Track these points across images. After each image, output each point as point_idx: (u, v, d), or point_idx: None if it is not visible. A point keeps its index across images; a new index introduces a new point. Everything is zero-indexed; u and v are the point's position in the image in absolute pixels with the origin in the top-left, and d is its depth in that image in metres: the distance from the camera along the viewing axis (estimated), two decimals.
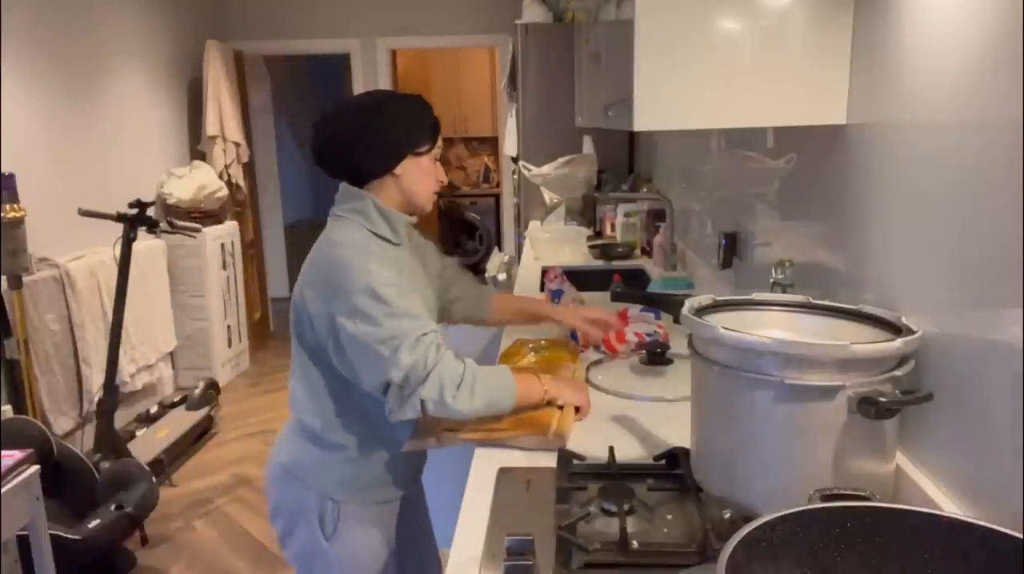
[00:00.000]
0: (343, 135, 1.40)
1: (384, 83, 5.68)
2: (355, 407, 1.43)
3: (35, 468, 1.94)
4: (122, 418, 3.66)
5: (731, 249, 1.99)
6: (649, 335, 1.86)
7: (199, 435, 3.88)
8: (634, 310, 1.93)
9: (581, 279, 2.46)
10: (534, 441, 1.34)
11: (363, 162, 1.41)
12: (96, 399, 3.08)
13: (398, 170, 1.42)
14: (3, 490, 1.82)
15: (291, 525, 1.50)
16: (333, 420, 1.44)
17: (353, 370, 1.35)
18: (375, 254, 1.36)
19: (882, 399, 0.88)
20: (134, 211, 3.02)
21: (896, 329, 1.00)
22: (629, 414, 1.50)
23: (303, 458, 1.47)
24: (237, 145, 5.06)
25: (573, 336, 1.93)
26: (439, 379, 1.27)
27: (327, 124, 1.42)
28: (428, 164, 1.45)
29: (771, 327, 1.10)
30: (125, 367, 3.73)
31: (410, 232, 1.53)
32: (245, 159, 5.21)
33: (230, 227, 4.84)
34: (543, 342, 1.85)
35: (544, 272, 2.75)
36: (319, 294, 1.35)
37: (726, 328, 0.95)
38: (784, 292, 1.44)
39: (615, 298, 2.15)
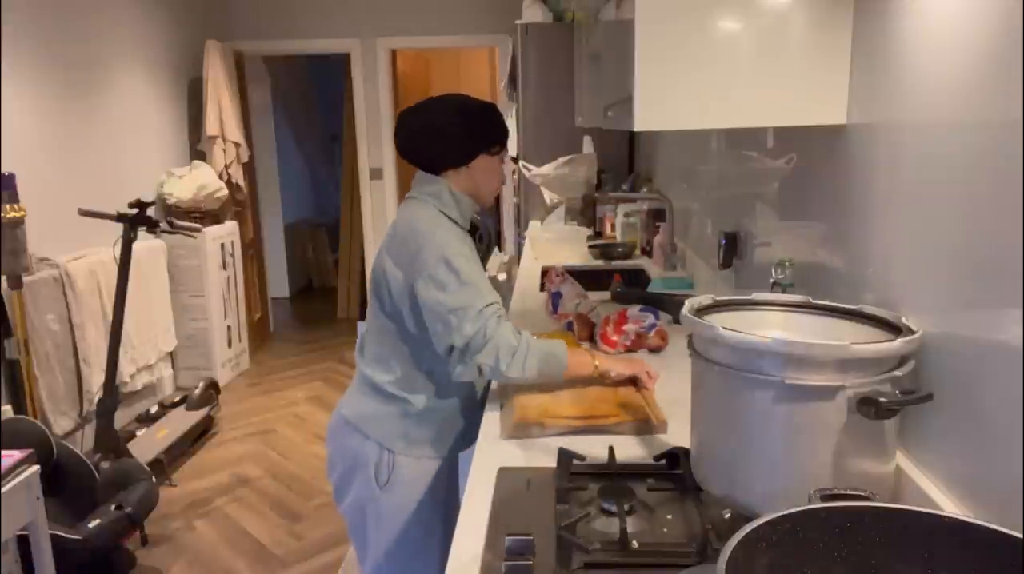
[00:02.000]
0: (427, 127, 1.57)
1: (384, 83, 5.68)
2: (422, 367, 1.58)
3: (35, 468, 1.94)
4: (122, 418, 3.66)
5: (731, 249, 1.99)
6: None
7: (199, 435, 3.89)
8: (634, 310, 1.93)
9: (581, 279, 2.46)
10: (636, 427, 1.41)
11: (443, 152, 1.58)
12: (96, 399, 3.08)
13: (472, 163, 1.59)
14: (3, 490, 1.82)
15: (348, 475, 1.65)
16: (400, 377, 1.59)
17: (426, 331, 1.52)
18: (446, 226, 1.54)
19: (882, 399, 0.88)
20: (134, 211, 3.02)
21: (896, 329, 1.00)
22: None
23: (366, 410, 1.62)
24: (237, 145, 5.06)
25: (569, 327, 1.94)
26: (495, 348, 1.43)
27: (412, 117, 1.58)
28: (496, 164, 1.63)
29: (771, 327, 1.10)
30: (125, 367, 3.73)
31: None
32: (245, 159, 5.21)
33: (230, 227, 4.84)
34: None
35: (544, 272, 2.75)
36: (397, 260, 1.53)
37: (726, 328, 0.95)
38: (784, 292, 1.44)
39: (615, 298, 2.15)
